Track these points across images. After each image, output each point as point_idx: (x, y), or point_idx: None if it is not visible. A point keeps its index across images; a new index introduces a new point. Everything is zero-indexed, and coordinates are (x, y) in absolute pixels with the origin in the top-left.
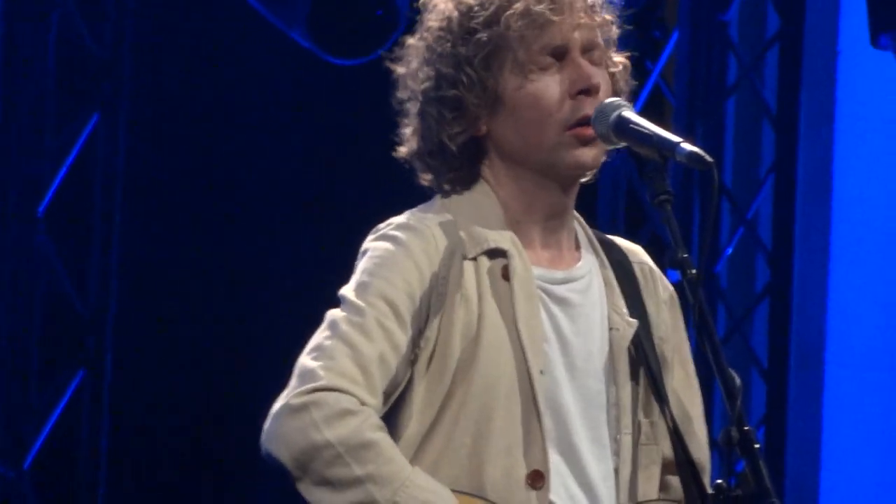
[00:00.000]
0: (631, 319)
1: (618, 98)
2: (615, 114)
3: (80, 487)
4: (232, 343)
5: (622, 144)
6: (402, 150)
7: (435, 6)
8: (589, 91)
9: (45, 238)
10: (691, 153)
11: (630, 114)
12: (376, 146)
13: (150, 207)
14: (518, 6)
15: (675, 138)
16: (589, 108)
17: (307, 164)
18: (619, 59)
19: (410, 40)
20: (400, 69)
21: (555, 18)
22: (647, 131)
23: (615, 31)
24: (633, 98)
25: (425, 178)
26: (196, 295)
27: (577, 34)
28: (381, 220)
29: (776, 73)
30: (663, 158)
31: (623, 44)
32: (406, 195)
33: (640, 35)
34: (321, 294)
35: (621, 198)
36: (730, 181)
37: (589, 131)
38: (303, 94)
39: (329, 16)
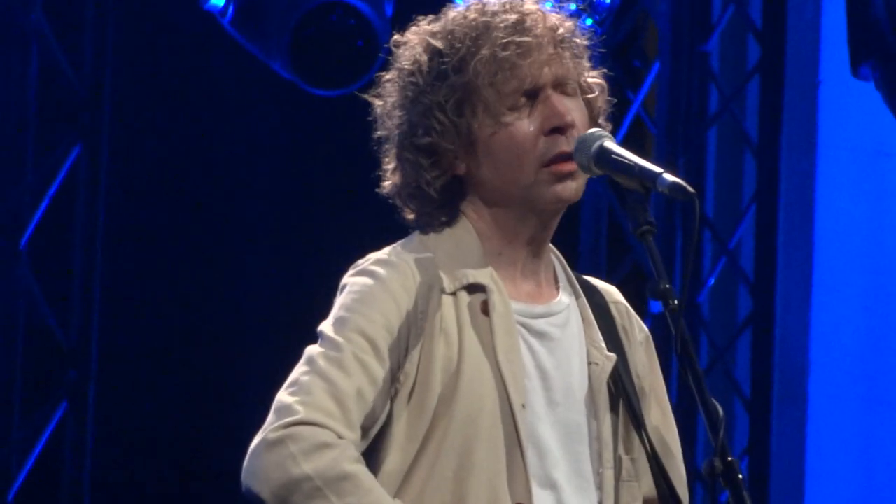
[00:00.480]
0: (609, 354)
1: (599, 129)
2: (596, 144)
3: None
4: (215, 374)
5: (603, 174)
6: (385, 186)
7: (406, 45)
8: (562, 129)
9: (27, 271)
10: (673, 184)
11: (611, 144)
12: (359, 177)
13: (132, 239)
14: (484, 52)
15: (656, 169)
16: (564, 144)
17: (290, 195)
18: (595, 80)
19: (386, 76)
20: (378, 106)
21: (522, 63)
22: (628, 162)
23: (587, 55)
24: (615, 128)
25: (408, 215)
26: (179, 326)
27: (547, 70)
28: (364, 249)
29: (757, 103)
30: (645, 189)
31: (604, 76)
32: (388, 226)
33: (621, 65)
34: (305, 323)
35: (603, 227)
36: (711, 211)
37: (565, 167)
38: (284, 124)
39: (310, 47)
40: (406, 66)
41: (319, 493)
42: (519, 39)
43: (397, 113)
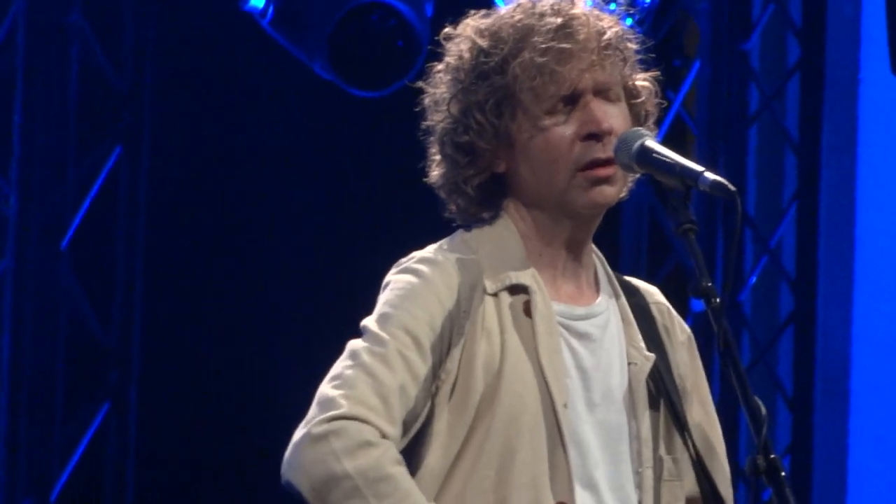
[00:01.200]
0: (648, 354)
1: (640, 128)
2: (637, 143)
3: None
4: (258, 373)
5: (644, 173)
6: (432, 177)
7: (455, 39)
8: (599, 135)
9: (68, 272)
10: (714, 182)
11: (652, 143)
12: (398, 178)
13: (173, 239)
14: (525, 56)
15: (698, 167)
16: (600, 151)
17: (330, 195)
18: (643, 83)
19: (437, 67)
20: (427, 96)
21: (560, 69)
22: (669, 160)
23: (635, 59)
24: (655, 128)
25: (450, 209)
26: (221, 325)
27: (587, 76)
28: (404, 246)
29: (798, 101)
30: (686, 188)
31: (643, 69)
32: (428, 226)
33: (661, 65)
34: (345, 321)
35: (645, 227)
36: (753, 210)
37: (600, 172)
38: (324, 124)
39: (350, 48)
40: (451, 62)
41: (358, 492)
42: (560, 45)
43: (441, 107)
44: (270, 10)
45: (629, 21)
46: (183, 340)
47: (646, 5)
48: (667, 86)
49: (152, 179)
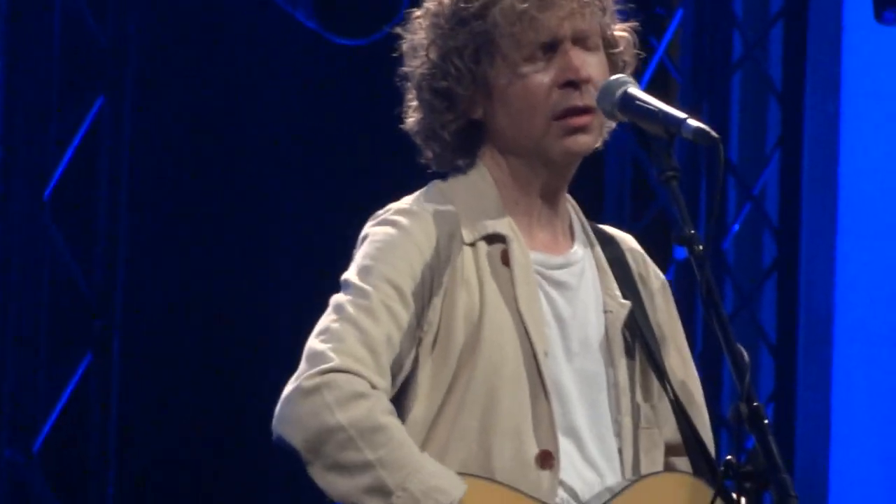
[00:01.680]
0: (624, 301)
1: (622, 75)
2: (620, 91)
3: (89, 471)
4: (240, 323)
5: (627, 120)
6: (408, 123)
7: None
8: (576, 83)
9: (51, 222)
10: (697, 129)
11: (635, 90)
12: (382, 129)
13: (155, 190)
14: (505, 2)
15: (680, 114)
16: (577, 99)
17: (314, 146)
18: (621, 33)
19: (416, 13)
20: (405, 42)
21: (540, 16)
22: (652, 108)
23: (613, 8)
24: (638, 75)
25: (426, 156)
26: (204, 276)
27: (566, 24)
28: (390, 199)
29: (781, 48)
30: (669, 135)
31: (627, 21)
32: (414, 179)
33: (644, 12)
34: (332, 272)
35: (628, 175)
36: (736, 157)
37: (576, 121)
38: (309, 75)
39: None
40: (431, 7)
41: (352, 443)
42: None
43: (420, 53)
44: None
45: None
46: (166, 290)
47: None
48: (650, 33)
49: (135, 130)
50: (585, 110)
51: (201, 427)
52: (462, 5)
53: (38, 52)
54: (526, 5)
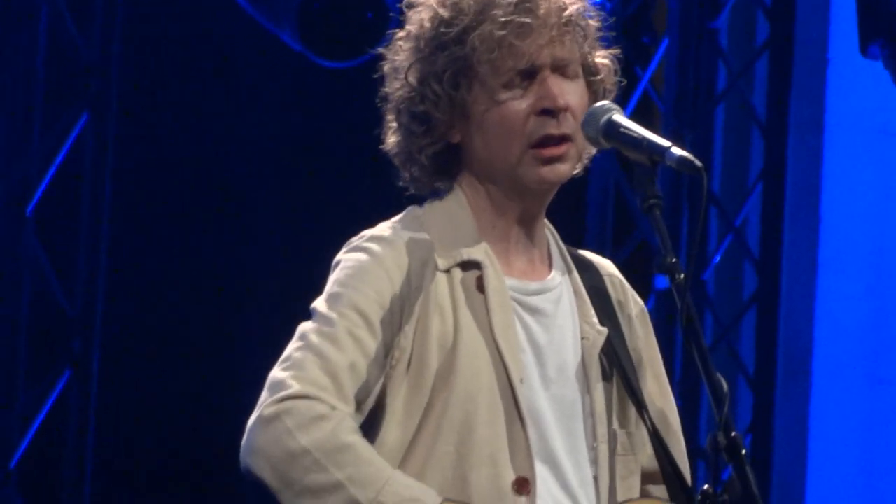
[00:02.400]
0: (601, 328)
1: (608, 102)
2: (605, 117)
3: (65, 488)
4: (219, 342)
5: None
6: (387, 144)
7: (417, 7)
8: (553, 111)
9: (33, 238)
10: (681, 157)
11: (620, 118)
12: (365, 150)
13: (138, 207)
14: (485, 28)
15: (665, 142)
16: (553, 127)
17: (297, 165)
18: (603, 61)
19: (398, 34)
20: (386, 63)
21: (519, 43)
22: (636, 135)
23: (597, 35)
24: (622, 104)
25: (404, 178)
26: (184, 295)
27: (546, 52)
28: (370, 224)
29: (766, 80)
30: (653, 162)
31: (612, 54)
32: (393, 203)
33: (629, 41)
34: (308, 293)
35: (610, 204)
36: (718, 189)
37: (552, 151)
38: (293, 94)
39: (319, 18)
40: (412, 30)
41: (318, 465)
42: (520, 19)
43: (400, 75)
44: None
45: None
46: (146, 309)
47: None
48: (635, 62)
49: (118, 147)
50: (562, 139)
51: (179, 445)
52: (442, 30)
53: (22, 67)
54: (504, 32)
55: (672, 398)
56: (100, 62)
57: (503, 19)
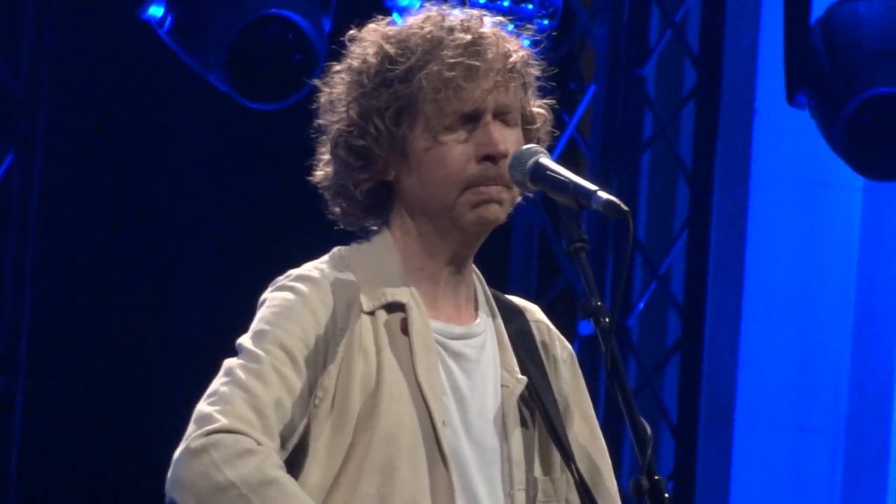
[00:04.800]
0: (521, 377)
1: (535, 145)
2: (532, 160)
3: None
4: (145, 384)
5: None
6: (317, 176)
7: (360, 42)
8: (494, 158)
9: None
10: (607, 201)
11: (547, 160)
12: (295, 190)
13: (63, 247)
14: (433, 68)
15: (591, 186)
16: (493, 172)
17: (225, 206)
18: (539, 110)
19: (336, 67)
20: (323, 95)
21: (466, 86)
22: (563, 178)
23: (535, 85)
24: (549, 150)
25: (334, 211)
26: (109, 339)
27: (490, 98)
28: (297, 264)
29: (692, 128)
30: (579, 206)
31: (540, 95)
32: (319, 243)
33: (557, 87)
34: (234, 331)
35: (535, 249)
36: (643, 236)
37: (491, 189)
38: (221, 135)
39: (247, 61)
40: (355, 64)
41: (244, 499)
42: (468, 62)
43: (339, 108)
44: (169, 19)
45: (527, 43)
46: (71, 349)
47: (544, 27)
48: (562, 108)
49: (44, 187)
50: (498, 182)
51: (104, 488)
52: (388, 66)
53: None
54: (453, 73)
55: (602, 442)
56: (27, 102)
57: (451, 61)
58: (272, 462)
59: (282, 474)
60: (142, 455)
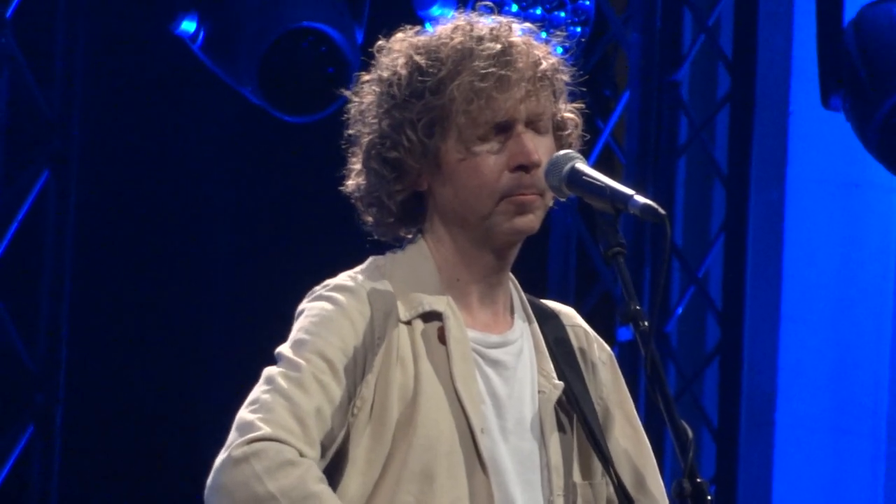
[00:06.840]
0: (557, 382)
1: (570, 150)
2: (568, 166)
3: None
4: (183, 396)
5: (574, 195)
6: (349, 186)
7: (389, 53)
8: (528, 168)
9: None
10: (645, 205)
11: (583, 166)
12: (330, 201)
13: (100, 264)
14: (465, 78)
15: (628, 191)
16: (527, 181)
17: (259, 221)
18: (570, 115)
19: (365, 77)
20: (353, 105)
21: (498, 96)
22: (600, 183)
23: (565, 91)
24: (584, 156)
25: (366, 220)
26: (148, 351)
27: (522, 107)
28: (330, 273)
29: (727, 133)
30: (616, 211)
31: (570, 100)
32: (354, 252)
33: (591, 94)
34: (268, 347)
35: (572, 256)
36: (680, 241)
37: (525, 197)
38: (255, 148)
39: (280, 74)
40: (385, 76)
41: None
42: (500, 72)
43: (370, 119)
44: (201, 34)
45: (559, 50)
46: (109, 364)
47: (577, 35)
48: (596, 115)
49: (80, 204)
50: (533, 192)
51: (144, 499)
52: (419, 77)
53: None
54: (485, 84)
55: (645, 439)
56: (61, 120)
57: (483, 71)
58: (313, 475)
59: (323, 488)
60: (181, 464)
